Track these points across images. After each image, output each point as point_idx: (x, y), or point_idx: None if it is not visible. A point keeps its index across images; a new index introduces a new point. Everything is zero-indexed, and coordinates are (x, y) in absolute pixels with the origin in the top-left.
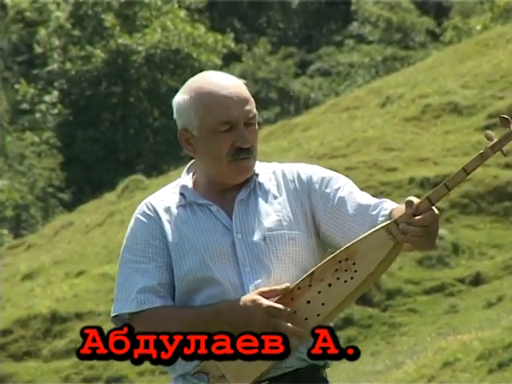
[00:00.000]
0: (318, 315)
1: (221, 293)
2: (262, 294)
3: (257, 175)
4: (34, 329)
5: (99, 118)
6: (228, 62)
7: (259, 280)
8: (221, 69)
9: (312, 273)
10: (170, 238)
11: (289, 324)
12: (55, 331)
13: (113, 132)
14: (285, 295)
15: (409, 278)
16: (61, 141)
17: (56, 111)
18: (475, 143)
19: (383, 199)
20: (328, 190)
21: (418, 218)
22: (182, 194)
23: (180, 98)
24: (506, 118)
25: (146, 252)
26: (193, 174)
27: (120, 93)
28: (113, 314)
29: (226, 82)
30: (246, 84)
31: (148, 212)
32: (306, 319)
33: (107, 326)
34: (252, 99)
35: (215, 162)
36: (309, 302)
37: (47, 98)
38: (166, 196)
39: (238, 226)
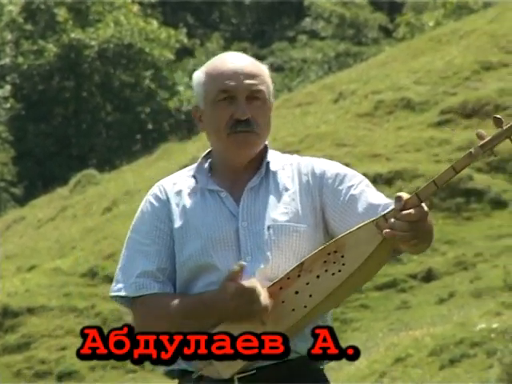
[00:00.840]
0: (305, 306)
1: (218, 280)
2: (227, 278)
3: (268, 162)
4: None
5: (51, 112)
6: (181, 56)
7: (258, 269)
8: (173, 64)
9: (301, 263)
10: (176, 222)
11: (260, 304)
12: (7, 326)
13: (65, 126)
14: (274, 284)
15: None
16: (13, 135)
17: (8, 105)
18: (428, 139)
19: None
20: (341, 187)
21: (404, 212)
22: (194, 177)
23: (196, 74)
24: (498, 117)
25: (150, 234)
26: (210, 160)
27: (72, 87)
28: (112, 294)
29: (237, 58)
30: (264, 68)
31: (159, 194)
32: (293, 310)
33: (59, 321)
34: (264, 77)
35: (216, 134)
36: (297, 292)
37: None
38: (179, 179)
39: (244, 214)
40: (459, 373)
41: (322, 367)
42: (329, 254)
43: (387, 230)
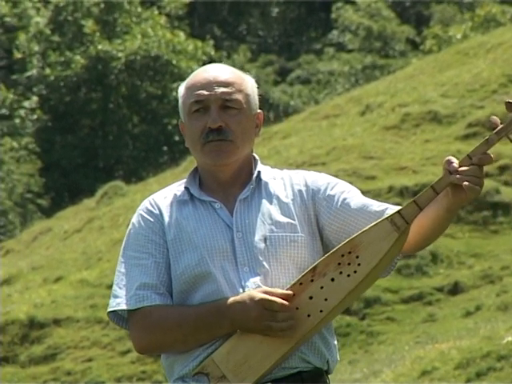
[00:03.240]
0: (321, 311)
1: (217, 290)
2: (265, 292)
3: (259, 172)
4: (12, 334)
5: (78, 123)
6: None
7: (257, 280)
8: None
9: (314, 267)
10: (169, 234)
11: (283, 322)
12: (33, 337)
13: (92, 138)
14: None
15: (387, 287)
16: (40, 146)
17: (35, 117)
18: (455, 152)
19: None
20: (333, 193)
21: (480, 156)
22: (186, 189)
23: (179, 89)
24: (511, 102)
25: (146, 248)
26: (198, 174)
27: (99, 99)
28: (110, 309)
29: (215, 68)
30: (248, 79)
31: (150, 208)
32: (309, 316)
33: (85, 333)
34: (242, 87)
35: (194, 146)
36: (311, 297)
37: (26, 103)
38: (170, 193)
39: (238, 225)
40: None
41: (328, 380)
42: (342, 255)
43: (464, 178)
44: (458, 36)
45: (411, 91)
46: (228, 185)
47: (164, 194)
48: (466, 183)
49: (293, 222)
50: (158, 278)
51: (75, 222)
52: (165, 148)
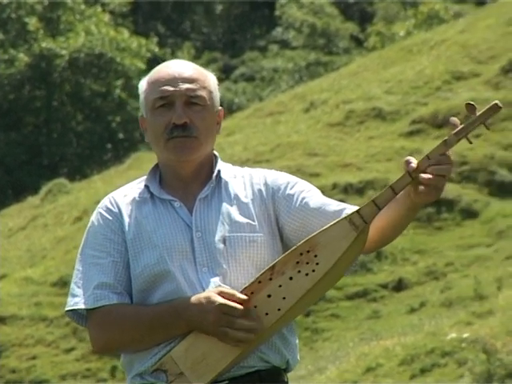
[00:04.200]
0: (279, 309)
1: (177, 289)
2: (221, 294)
3: (219, 171)
4: None
5: (22, 121)
6: (152, 66)
7: (215, 280)
8: (144, 73)
9: (273, 266)
10: (129, 233)
11: (243, 321)
12: None
13: (36, 135)
14: (244, 289)
15: None
16: None
17: None
18: (399, 149)
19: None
20: (292, 192)
21: (443, 155)
22: (146, 187)
23: (140, 83)
24: (471, 104)
25: (104, 246)
26: (159, 171)
27: (43, 96)
28: (68, 308)
29: (178, 64)
30: (206, 75)
31: (110, 206)
32: (267, 314)
33: (29, 330)
34: (206, 84)
35: (157, 142)
36: (269, 295)
37: None
38: (130, 191)
39: (197, 224)
40: (430, 382)
41: (286, 379)
42: (301, 254)
43: (429, 177)
44: (402, 33)
45: (355, 88)
46: (188, 182)
47: (124, 192)
48: (421, 187)
49: (252, 222)
50: (116, 278)
51: (19, 219)
52: (109, 145)
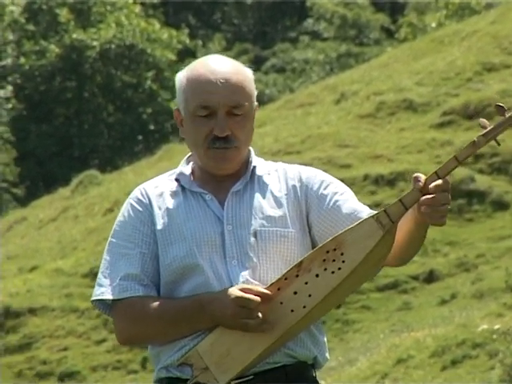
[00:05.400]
0: (304, 307)
1: (205, 283)
2: (244, 289)
3: (254, 167)
4: None
5: (53, 113)
6: (183, 57)
7: (245, 274)
8: (175, 64)
9: (300, 263)
10: (159, 224)
11: (257, 319)
12: (8, 326)
13: (67, 127)
14: (271, 285)
15: None
16: (15, 135)
17: (10, 106)
18: (430, 140)
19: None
20: (326, 192)
21: (437, 183)
22: (177, 180)
23: (178, 76)
24: (501, 105)
25: (132, 237)
26: (192, 164)
27: (74, 88)
28: (94, 298)
29: (221, 67)
30: (248, 74)
31: (140, 197)
32: (293, 311)
33: (60, 322)
34: (247, 89)
35: (195, 147)
36: (295, 292)
37: (1, 92)
38: (161, 182)
39: (229, 218)
40: (461, 374)
41: (315, 375)
42: (328, 252)
43: (423, 206)
44: (433, 24)
45: (386, 79)
46: (223, 176)
47: (155, 184)
48: (423, 208)
49: (284, 216)
50: (143, 269)
51: (50, 211)
52: (140, 137)
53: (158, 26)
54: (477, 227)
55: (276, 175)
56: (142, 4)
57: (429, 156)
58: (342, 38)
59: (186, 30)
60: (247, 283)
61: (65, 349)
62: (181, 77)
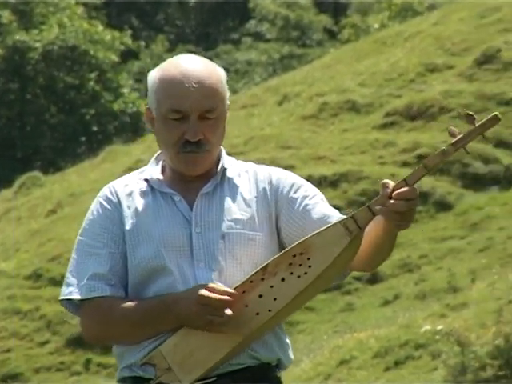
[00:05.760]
0: (270, 310)
1: (172, 285)
2: (209, 288)
3: (225, 169)
4: None
5: None
6: (125, 59)
7: (212, 276)
8: (118, 66)
9: (265, 266)
10: (127, 224)
11: (222, 317)
12: None
13: (9, 128)
14: (236, 288)
15: None
16: None
17: None
18: (373, 141)
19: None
20: (296, 196)
21: (403, 190)
22: (146, 181)
23: (151, 75)
24: (470, 114)
25: (101, 236)
26: (162, 162)
27: (17, 89)
28: (62, 297)
29: (193, 70)
30: (220, 76)
31: (110, 196)
32: (258, 314)
33: (3, 323)
34: (220, 92)
35: (166, 149)
36: (261, 296)
37: None
38: (130, 181)
39: (197, 220)
40: (404, 374)
41: (279, 375)
42: (294, 256)
43: (384, 209)
44: (376, 25)
45: (329, 80)
46: (193, 179)
47: (125, 182)
48: (388, 216)
49: (253, 219)
50: (111, 269)
51: None
52: (83, 138)
53: (100, 27)
54: (420, 228)
55: (246, 177)
56: (85, 5)
57: (372, 157)
58: (284, 39)
59: (129, 32)
60: (213, 283)
61: (8, 350)
62: (153, 76)
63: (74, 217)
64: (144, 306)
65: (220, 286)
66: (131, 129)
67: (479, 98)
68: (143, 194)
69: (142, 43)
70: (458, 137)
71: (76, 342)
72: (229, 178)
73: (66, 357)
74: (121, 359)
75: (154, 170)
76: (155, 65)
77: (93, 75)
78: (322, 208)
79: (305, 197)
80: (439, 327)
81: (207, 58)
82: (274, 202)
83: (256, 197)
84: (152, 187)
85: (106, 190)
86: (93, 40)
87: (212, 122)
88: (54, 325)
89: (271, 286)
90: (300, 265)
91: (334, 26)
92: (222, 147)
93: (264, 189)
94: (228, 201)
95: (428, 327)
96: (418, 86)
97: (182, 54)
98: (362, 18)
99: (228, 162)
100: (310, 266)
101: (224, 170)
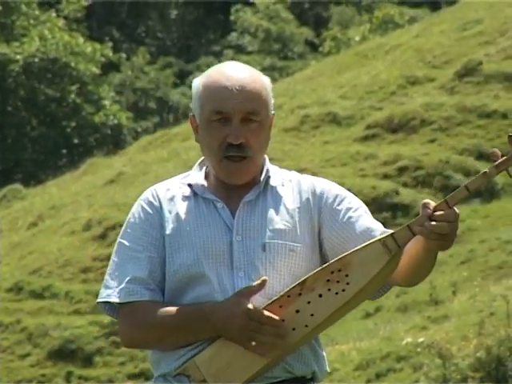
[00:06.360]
0: (306, 326)
1: (210, 293)
2: (241, 293)
3: (269, 177)
4: None
5: None
6: (106, 71)
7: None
8: (99, 78)
9: (303, 281)
10: (167, 229)
11: (269, 334)
12: None
13: None
14: (273, 302)
15: None
16: None
17: None
18: (354, 153)
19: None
20: (339, 207)
21: (442, 213)
22: (190, 186)
23: (195, 83)
24: None
25: (141, 240)
26: (205, 168)
27: None
28: (100, 300)
29: (237, 74)
30: (264, 82)
31: (151, 200)
32: (294, 329)
33: None
34: (263, 97)
35: (209, 154)
36: (298, 311)
37: None
38: (173, 185)
39: (239, 228)
40: None
41: None
42: (332, 272)
43: (425, 230)
44: (357, 38)
45: (310, 93)
46: (237, 187)
47: (167, 186)
48: (429, 236)
49: (294, 230)
50: (150, 273)
51: None
52: (64, 151)
53: (81, 39)
54: None
55: (290, 186)
56: (66, 18)
57: (353, 169)
58: (266, 51)
59: (110, 44)
60: (248, 289)
61: None
62: (197, 83)
63: (55, 229)
64: (181, 312)
65: (249, 286)
66: (112, 141)
67: (460, 110)
68: (185, 198)
69: (123, 55)
70: (501, 159)
71: (57, 355)
72: (272, 187)
73: (48, 369)
74: (156, 367)
75: (197, 176)
76: (136, 77)
77: (74, 87)
78: (365, 221)
79: (348, 209)
80: (421, 339)
81: (188, 70)
82: (316, 213)
83: (299, 207)
84: (195, 192)
85: (148, 194)
86: (74, 52)
87: (255, 126)
88: (35, 337)
89: (308, 302)
90: (338, 281)
91: (316, 39)
92: (266, 156)
93: (307, 199)
94: (270, 210)
95: (409, 339)
96: (399, 98)
97: (226, 62)
98: (343, 30)
99: (272, 170)
100: (347, 283)
101: (268, 178)
